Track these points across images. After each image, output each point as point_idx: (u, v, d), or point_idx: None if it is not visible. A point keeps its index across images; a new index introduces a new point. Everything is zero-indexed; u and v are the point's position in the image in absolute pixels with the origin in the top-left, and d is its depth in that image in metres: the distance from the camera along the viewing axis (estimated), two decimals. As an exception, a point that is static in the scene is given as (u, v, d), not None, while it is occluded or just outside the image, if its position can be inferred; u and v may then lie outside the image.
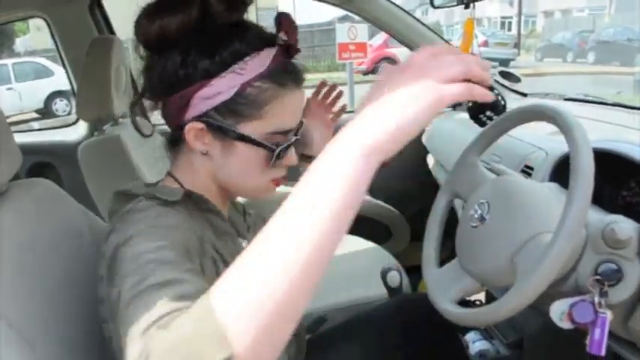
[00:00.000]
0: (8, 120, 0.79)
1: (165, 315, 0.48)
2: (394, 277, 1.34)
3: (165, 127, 0.80)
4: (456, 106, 2.11)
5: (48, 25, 1.96)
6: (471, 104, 1.24)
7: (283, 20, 0.75)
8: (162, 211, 0.70)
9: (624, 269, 0.76)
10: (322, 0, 1.88)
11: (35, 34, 17.75)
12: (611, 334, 0.78)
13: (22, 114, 10.97)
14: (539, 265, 0.69)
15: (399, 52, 12.43)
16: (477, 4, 1.24)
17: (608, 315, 0.76)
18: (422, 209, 0.99)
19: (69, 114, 11.20)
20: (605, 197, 0.89)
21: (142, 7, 0.74)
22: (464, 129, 1.65)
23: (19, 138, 0.79)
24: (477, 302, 1.15)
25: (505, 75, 1.97)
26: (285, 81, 0.74)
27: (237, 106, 0.72)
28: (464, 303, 0.89)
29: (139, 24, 0.73)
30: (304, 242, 0.44)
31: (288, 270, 0.44)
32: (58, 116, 11.43)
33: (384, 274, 1.35)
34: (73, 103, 2.04)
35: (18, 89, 11.37)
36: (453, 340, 1.13)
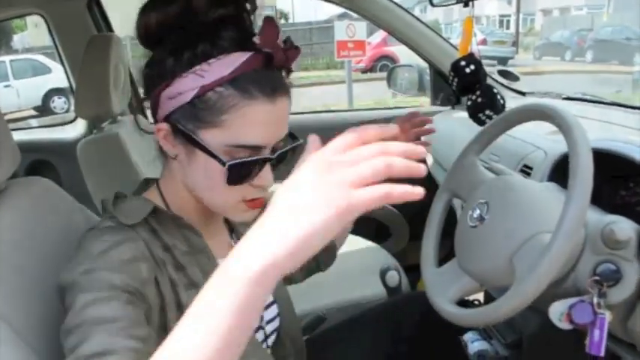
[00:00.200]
0: (5, 117, 0.79)
1: None
2: (393, 277, 1.34)
3: None
4: (454, 105, 2.12)
5: (46, 22, 1.95)
6: (470, 103, 1.24)
7: (265, 25, 0.68)
8: (118, 239, 0.68)
9: (623, 270, 0.76)
10: (322, -2, 1.87)
11: (33, 31, 17.71)
12: (610, 335, 0.79)
13: (19, 111, 10.94)
14: (538, 266, 0.69)
15: (398, 50, 12.41)
16: (475, 2, 1.24)
17: (607, 316, 0.76)
18: (421, 209, 0.99)
19: (67, 111, 11.20)
20: (604, 197, 0.89)
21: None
22: (463, 128, 1.65)
23: (18, 136, 0.79)
24: (476, 302, 1.15)
25: (504, 74, 1.97)
26: (252, 90, 0.66)
27: (198, 111, 0.68)
28: (462, 303, 0.89)
29: (137, 19, 0.72)
30: (201, 346, 0.44)
31: None
32: (56, 113, 11.42)
33: (382, 274, 1.35)
34: (71, 100, 2.04)
35: (16, 86, 11.37)
36: (451, 340, 1.14)
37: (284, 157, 0.75)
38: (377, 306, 1.25)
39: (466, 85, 1.21)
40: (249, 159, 0.68)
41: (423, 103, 2.51)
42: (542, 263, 0.69)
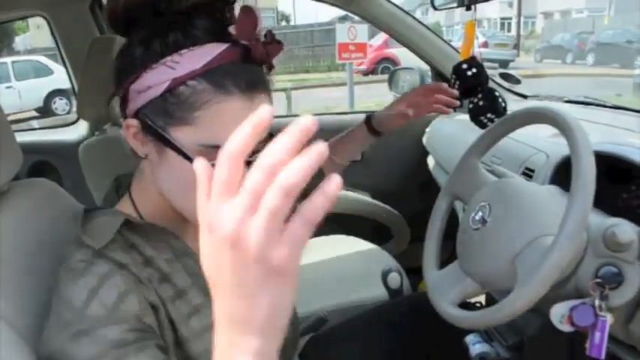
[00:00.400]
0: (7, 118, 0.79)
1: None
2: (394, 279, 1.34)
3: None
4: (455, 108, 2.12)
5: (49, 23, 1.96)
6: (471, 106, 1.24)
7: (241, 15, 0.63)
8: (95, 282, 0.61)
9: (625, 272, 0.76)
10: (322, 0, 1.88)
11: (35, 33, 17.76)
12: (611, 338, 0.78)
13: (21, 112, 10.96)
14: (540, 269, 0.69)
15: (399, 52, 12.43)
16: (477, 5, 1.24)
17: (609, 318, 0.76)
18: (422, 211, 0.99)
19: (68, 113, 11.21)
20: (605, 200, 0.89)
21: None
22: (464, 131, 1.65)
23: (19, 137, 0.79)
24: (478, 304, 1.15)
25: (505, 77, 1.97)
26: (227, 85, 0.61)
27: (169, 106, 0.62)
28: (464, 305, 0.89)
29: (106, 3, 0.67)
30: None
31: None
32: (58, 115, 11.43)
33: (384, 276, 1.35)
34: (73, 101, 2.04)
35: (17, 87, 11.38)
36: (453, 342, 1.13)
37: None
38: (378, 308, 1.25)
39: (468, 88, 1.22)
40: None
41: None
42: (544, 266, 0.69)
